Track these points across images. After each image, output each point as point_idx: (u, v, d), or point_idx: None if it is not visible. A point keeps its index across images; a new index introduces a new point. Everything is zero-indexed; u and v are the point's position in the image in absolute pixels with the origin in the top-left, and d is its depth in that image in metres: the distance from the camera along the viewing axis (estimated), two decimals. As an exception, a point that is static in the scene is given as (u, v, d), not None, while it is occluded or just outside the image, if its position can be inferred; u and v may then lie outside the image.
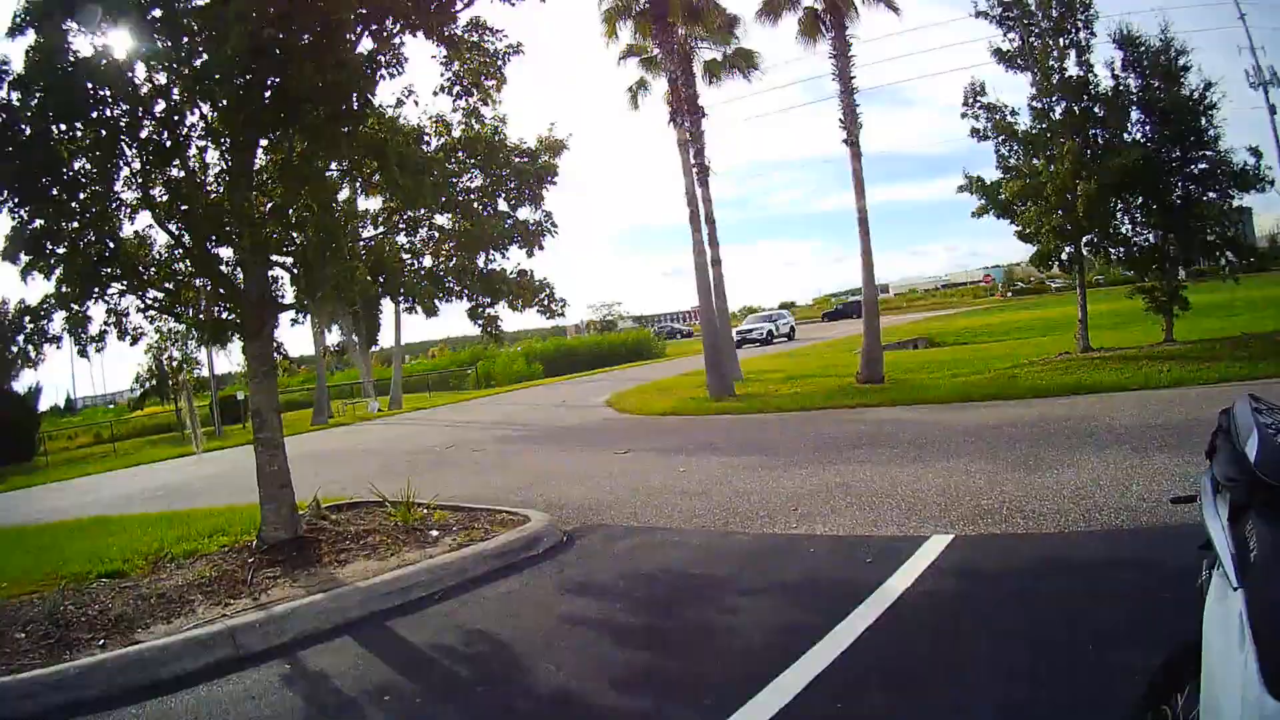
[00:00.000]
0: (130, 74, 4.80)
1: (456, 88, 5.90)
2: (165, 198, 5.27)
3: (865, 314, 13.91)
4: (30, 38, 4.56)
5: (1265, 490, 1.20)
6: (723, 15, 15.26)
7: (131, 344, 5.71)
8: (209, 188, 5.41)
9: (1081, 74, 12.55)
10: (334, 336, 11.67)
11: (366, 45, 5.21)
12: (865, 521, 4.91)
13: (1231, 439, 1.38)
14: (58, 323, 5.30)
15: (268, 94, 4.79)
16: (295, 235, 5.54)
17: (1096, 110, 12.57)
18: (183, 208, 5.22)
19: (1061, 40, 12.60)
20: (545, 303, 6.34)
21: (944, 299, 59.16)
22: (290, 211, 5.35)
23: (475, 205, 6.18)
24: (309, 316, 6.15)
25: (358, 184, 6.25)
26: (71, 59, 4.56)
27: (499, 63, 5.81)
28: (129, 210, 5.37)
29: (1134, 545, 3.91)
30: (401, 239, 6.46)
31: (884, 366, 13.19)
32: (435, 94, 5.92)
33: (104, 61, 4.58)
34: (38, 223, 4.90)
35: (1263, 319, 15.24)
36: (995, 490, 5.16)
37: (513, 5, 5.59)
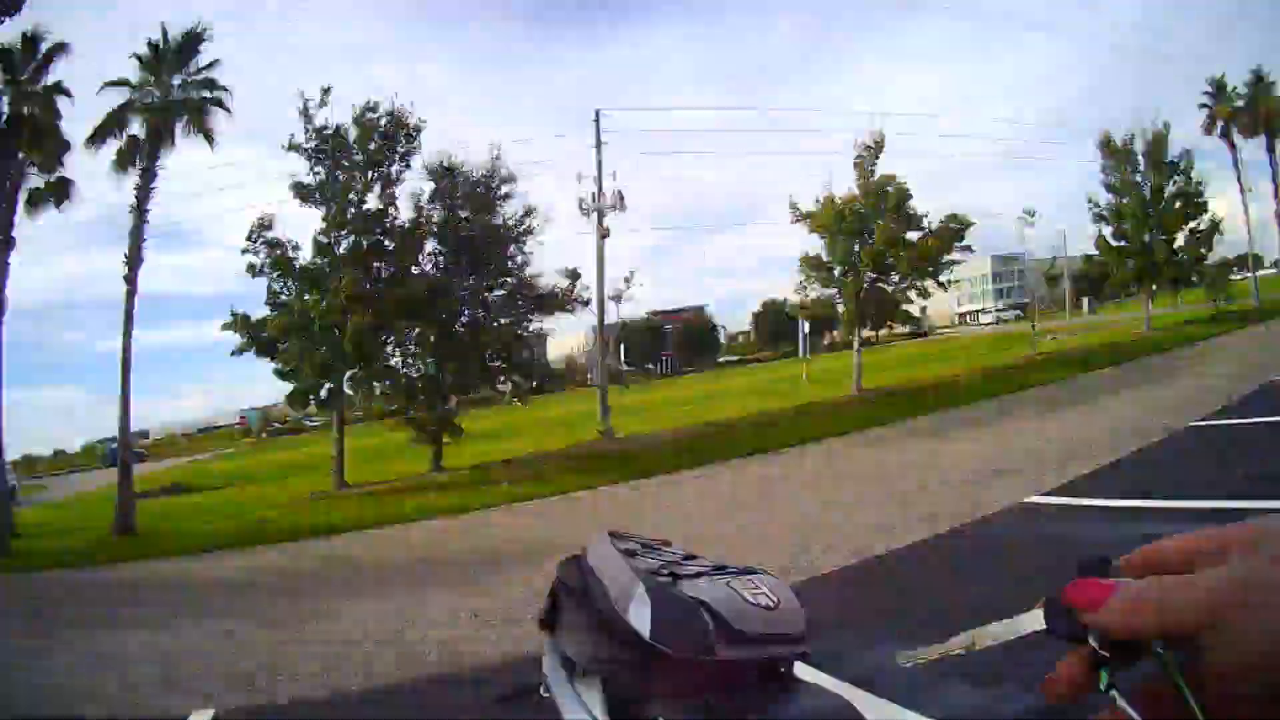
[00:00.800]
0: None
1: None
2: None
3: (120, 460, 13.32)
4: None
5: (675, 671, 0.92)
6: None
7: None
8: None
9: (381, 207, 13.84)
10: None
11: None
12: (127, 703, 4.46)
13: (591, 601, 1.05)
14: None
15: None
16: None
17: (387, 243, 13.87)
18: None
19: (370, 174, 13.69)
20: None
21: (201, 443, 62.12)
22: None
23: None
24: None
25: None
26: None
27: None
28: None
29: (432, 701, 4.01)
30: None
31: (137, 516, 12.74)
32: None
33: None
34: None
35: (554, 436, 18.18)
36: (252, 652, 5.10)
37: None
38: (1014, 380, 17.80)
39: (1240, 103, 36.15)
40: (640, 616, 0.97)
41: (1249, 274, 40.31)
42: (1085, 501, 6.01)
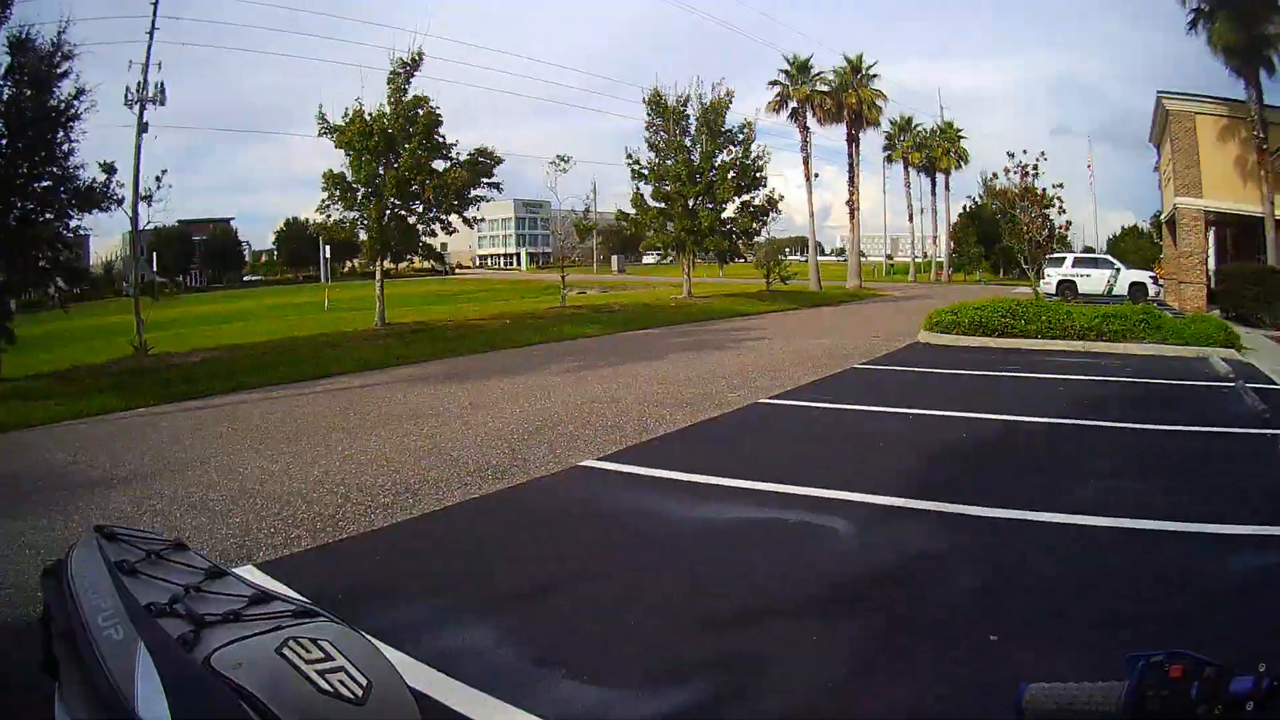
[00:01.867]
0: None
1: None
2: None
3: None
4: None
5: None
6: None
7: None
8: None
9: None
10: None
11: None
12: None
13: (81, 655, 0.89)
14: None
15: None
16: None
17: None
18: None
19: None
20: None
21: None
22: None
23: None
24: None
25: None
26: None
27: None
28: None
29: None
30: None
31: None
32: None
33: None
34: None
35: (94, 350, 17.62)
36: None
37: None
38: (546, 331, 19.97)
39: (824, 87, 41.13)
40: (151, 707, 0.75)
41: (806, 258, 45.74)
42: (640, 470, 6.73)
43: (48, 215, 14.50)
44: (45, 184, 14.41)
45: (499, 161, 20.74)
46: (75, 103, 14.31)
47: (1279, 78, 25.02)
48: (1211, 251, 35.73)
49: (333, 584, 4.50)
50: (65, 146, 14.34)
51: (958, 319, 15.94)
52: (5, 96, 13.97)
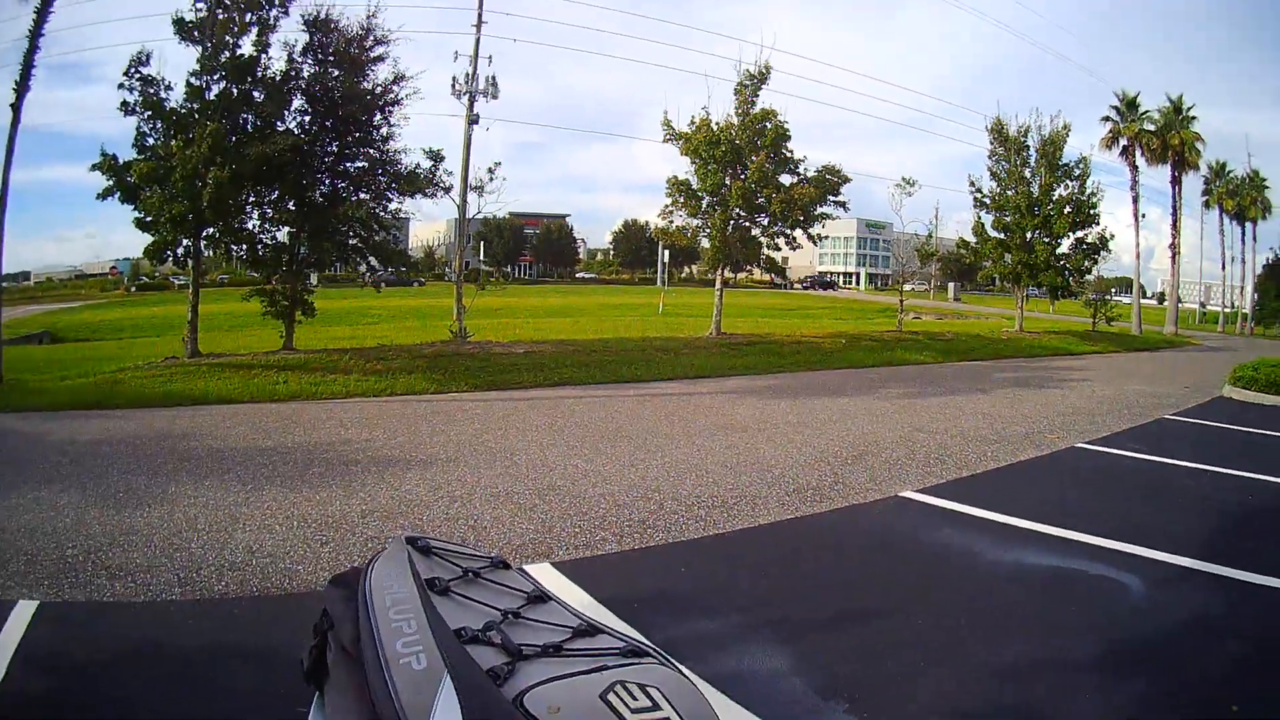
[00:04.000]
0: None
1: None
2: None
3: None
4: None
5: None
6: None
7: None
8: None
9: (255, 53, 15.40)
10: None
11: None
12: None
13: (365, 673, 0.87)
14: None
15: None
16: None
17: (255, 94, 15.52)
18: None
19: (249, 15, 15.21)
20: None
21: (76, 290, 68.33)
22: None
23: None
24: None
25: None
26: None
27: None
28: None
29: (249, 624, 4.18)
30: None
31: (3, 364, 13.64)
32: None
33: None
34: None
35: (408, 330, 19.94)
36: (81, 535, 5.42)
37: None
38: (880, 354, 20.79)
39: (1150, 126, 40.57)
40: (444, 710, 0.74)
41: (1130, 299, 45.07)
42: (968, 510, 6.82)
43: (361, 195, 15.80)
44: (360, 165, 15.76)
45: (846, 180, 21.50)
46: (394, 87, 15.52)
47: None
48: None
49: (630, 590, 4.69)
50: (383, 130, 15.69)
51: (1256, 375, 15.74)
52: (306, 74, 15.26)
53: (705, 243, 22.35)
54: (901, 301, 29.00)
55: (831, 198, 21.84)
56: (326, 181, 16.19)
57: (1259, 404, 14.87)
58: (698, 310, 28.92)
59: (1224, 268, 59.64)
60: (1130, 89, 47.94)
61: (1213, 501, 7.35)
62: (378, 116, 15.95)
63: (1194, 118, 42.19)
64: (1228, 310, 64.24)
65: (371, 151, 16.24)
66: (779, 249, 22.43)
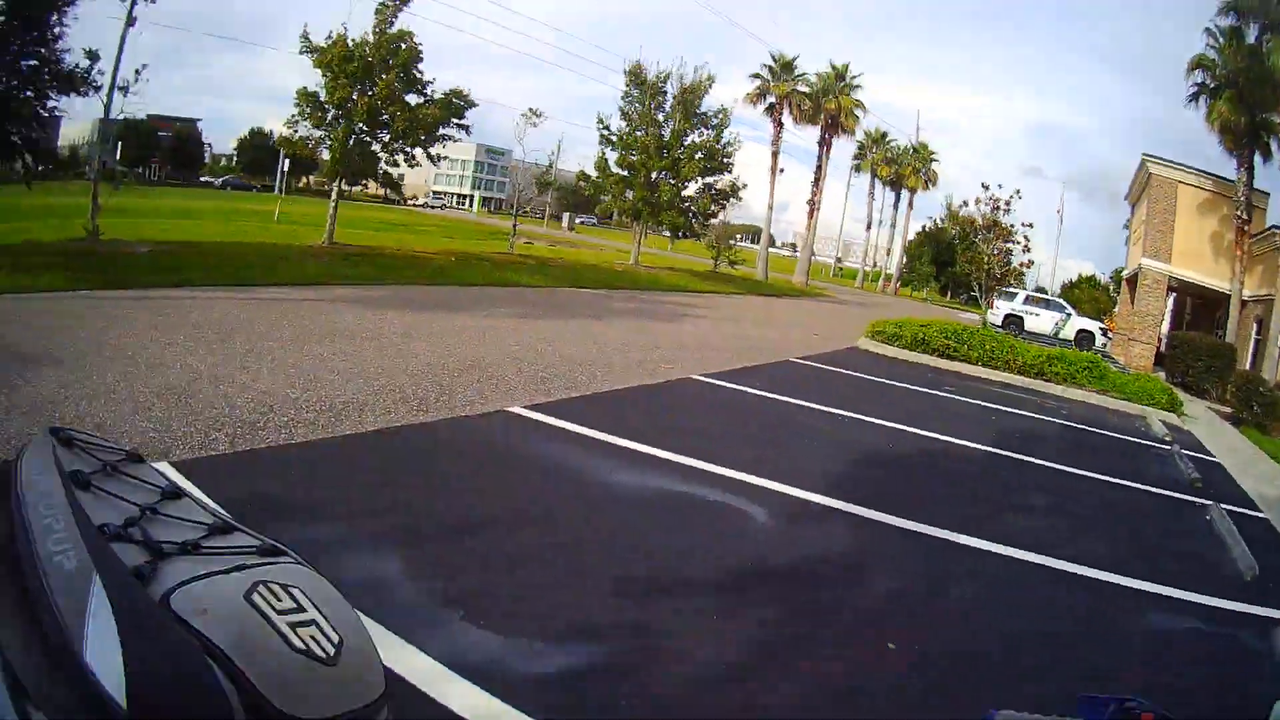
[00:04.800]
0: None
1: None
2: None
3: None
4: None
5: None
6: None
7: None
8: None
9: None
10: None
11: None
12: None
13: (22, 576, 0.78)
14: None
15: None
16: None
17: None
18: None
19: None
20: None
21: None
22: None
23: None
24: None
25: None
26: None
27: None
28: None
29: None
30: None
31: None
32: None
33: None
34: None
35: (49, 227, 18.63)
36: None
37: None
38: (491, 274, 21.72)
39: (804, 88, 44.40)
40: (105, 663, 0.67)
41: (758, 246, 49.06)
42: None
43: (28, 93, 15.68)
44: (31, 63, 15.54)
45: (472, 105, 23.00)
46: None
47: (1270, 163, 27.77)
48: (1168, 315, 36.09)
49: (246, 492, 4.86)
50: (57, 29, 15.50)
51: (900, 332, 17.06)
52: None
53: (325, 154, 23.10)
54: (515, 225, 30.68)
55: (455, 120, 23.11)
56: (2, 80, 15.47)
57: (898, 359, 16.18)
58: (311, 220, 28.95)
59: (868, 228, 67.74)
60: (791, 53, 53.37)
61: (832, 441, 8.32)
62: (54, 16, 15.35)
63: (858, 85, 46.58)
64: (869, 269, 72.31)
65: (42, 50, 15.63)
66: (397, 165, 23.55)
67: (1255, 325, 27.64)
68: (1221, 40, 26.82)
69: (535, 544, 4.67)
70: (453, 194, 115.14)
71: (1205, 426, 15.58)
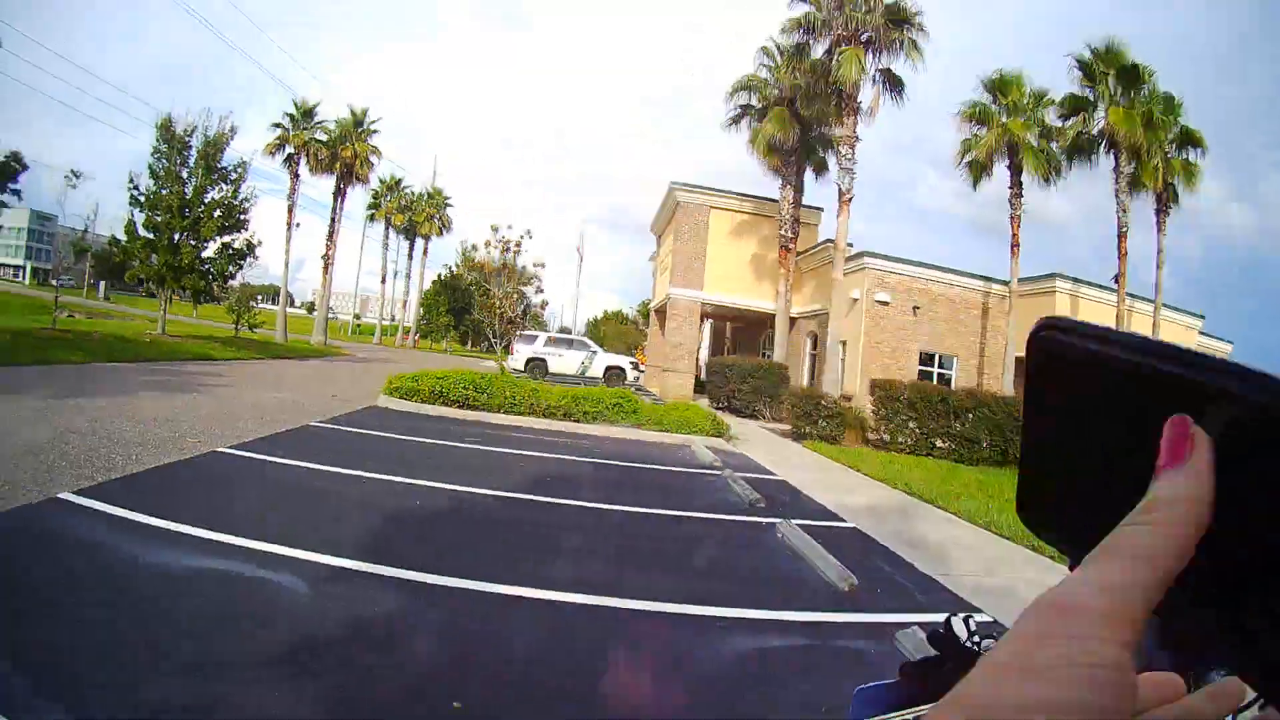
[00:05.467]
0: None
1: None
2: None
3: None
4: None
5: None
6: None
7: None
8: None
9: None
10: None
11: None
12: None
13: None
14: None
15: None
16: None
17: None
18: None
19: None
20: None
21: None
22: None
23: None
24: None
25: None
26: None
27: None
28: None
29: None
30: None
31: None
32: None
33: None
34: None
35: None
36: None
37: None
38: (37, 352, 19.28)
39: (322, 136, 44.00)
40: None
41: (277, 307, 47.86)
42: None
43: None
44: None
45: (24, 168, 21.14)
46: None
47: (824, 179, 29.36)
48: (705, 342, 39.20)
49: None
50: None
51: (418, 386, 16.84)
52: None
53: None
54: (57, 298, 27.98)
55: (11, 186, 21.18)
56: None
57: (418, 414, 15.89)
58: None
59: (384, 280, 64.94)
60: (317, 98, 52.13)
61: (355, 504, 8.06)
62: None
63: (375, 130, 46.79)
64: (387, 323, 71.07)
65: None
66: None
67: (809, 341, 29.48)
68: (780, 59, 27.85)
69: (74, 634, 4.27)
70: (8, 264, 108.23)
71: (763, 447, 16.27)
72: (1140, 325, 26.08)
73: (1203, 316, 30.44)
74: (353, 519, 7.51)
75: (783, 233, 28.60)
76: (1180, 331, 28.84)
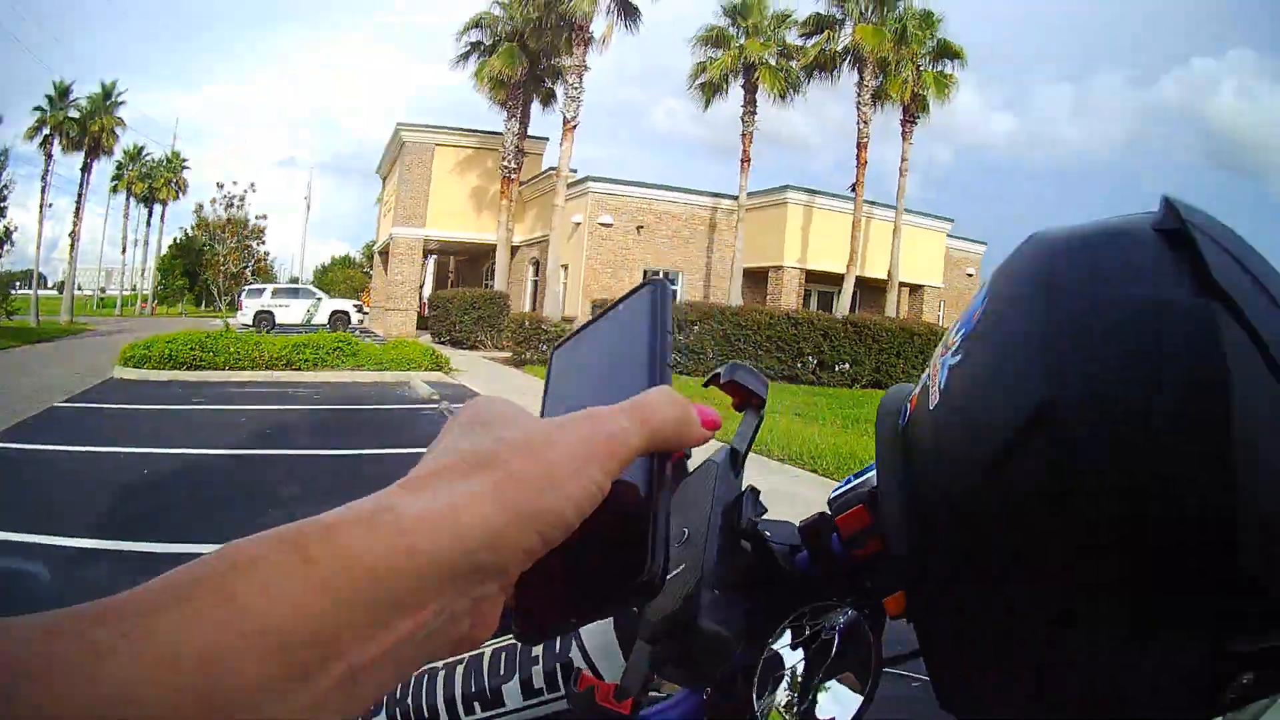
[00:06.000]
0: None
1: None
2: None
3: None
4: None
5: None
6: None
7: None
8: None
9: None
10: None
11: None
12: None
13: None
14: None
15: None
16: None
17: None
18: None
19: None
20: None
21: None
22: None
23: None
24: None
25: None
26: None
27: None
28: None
29: None
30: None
31: None
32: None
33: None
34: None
35: None
36: None
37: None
38: None
39: (75, 114, 41.87)
40: None
41: (31, 291, 45.30)
42: None
43: None
44: None
45: None
46: None
47: (550, 109, 29.15)
48: (429, 279, 38.83)
49: None
50: None
51: (149, 353, 16.32)
52: None
53: None
54: None
55: None
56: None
57: (152, 380, 15.26)
58: None
59: (124, 251, 62.71)
60: (79, 77, 48.62)
61: (91, 480, 7.71)
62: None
63: (122, 102, 44.54)
64: (128, 293, 68.17)
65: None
66: None
67: (532, 268, 29.81)
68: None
69: None
70: None
71: (483, 376, 16.53)
72: (881, 231, 27.74)
73: (951, 220, 32.03)
74: (74, 497, 7.19)
75: (505, 163, 28.77)
76: (927, 235, 30.39)
